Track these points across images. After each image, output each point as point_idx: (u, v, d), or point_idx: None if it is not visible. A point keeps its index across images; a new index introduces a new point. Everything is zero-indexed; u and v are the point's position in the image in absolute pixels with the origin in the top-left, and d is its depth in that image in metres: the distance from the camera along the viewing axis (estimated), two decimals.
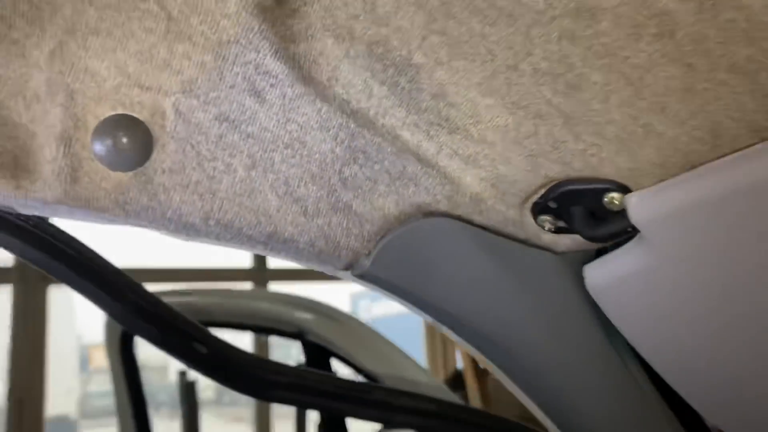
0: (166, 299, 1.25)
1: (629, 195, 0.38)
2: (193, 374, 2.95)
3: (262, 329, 1.16)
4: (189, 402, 2.66)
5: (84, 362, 10.07)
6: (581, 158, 0.38)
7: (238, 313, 1.15)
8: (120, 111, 0.37)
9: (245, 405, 5.38)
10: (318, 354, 1.11)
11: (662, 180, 0.37)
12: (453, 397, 0.97)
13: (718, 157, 0.35)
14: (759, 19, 0.29)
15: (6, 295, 3.66)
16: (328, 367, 1.16)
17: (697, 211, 0.36)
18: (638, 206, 0.37)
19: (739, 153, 0.35)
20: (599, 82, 0.33)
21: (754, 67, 0.31)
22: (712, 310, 0.40)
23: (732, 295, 0.38)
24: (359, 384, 0.48)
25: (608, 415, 0.47)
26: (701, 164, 0.36)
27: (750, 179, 0.34)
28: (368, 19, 0.34)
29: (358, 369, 1.04)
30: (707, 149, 0.35)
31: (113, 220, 0.39)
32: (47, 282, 3.61)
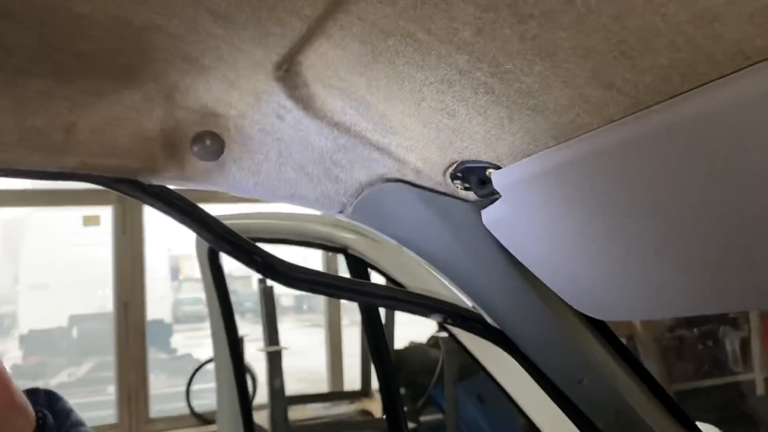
0: (242, 220, 1.59)
1: (492, 172, 0.64)
2: (271, 281, 3.34)
3: (314, 245, 1.48)
4: (268, 304, 3.09)
5: (175, 272, 10.96)
6: (467, 150, 0.65)
7: (295, 232, 1.47)
8: (205, 129, 0.66)
9: (320, 312, 5.94)
10: (357, 265, 1.43)
11: (513, 162, 0.64)
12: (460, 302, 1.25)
13: (538, 152, 0.61)
14: (514, 100, 0.54)
15: (108, 215, 4.18)
16: (367, 276, 1.47)
17: (526, 182, 0.62)
18: (496, 179, 0.64)
19: (546, 150, 0.60)
20: (463, 113, 0.60)
21: (517, 116, 0.56)
22: (550, 238, 0.66)
23: (557, 228, 0.65)
24: (353, 281, 0.78)
25: (506, 306, 0.75)
26: (531, 155, 0.62)
27: (545, 167, 0.60)
28: (337, 79, 0.61)
29: (386, 276, 1.35)
30: (532, 147, 0.61)
31: (203, 187, 0.69)
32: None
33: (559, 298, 0.75)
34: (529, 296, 0.75)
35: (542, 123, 0.58)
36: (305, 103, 0.64)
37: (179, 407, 4.54)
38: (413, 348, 4.23)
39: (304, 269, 0.76)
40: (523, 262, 0.72)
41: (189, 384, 4.48)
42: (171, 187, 0.71)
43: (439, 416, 4.06)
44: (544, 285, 0.75)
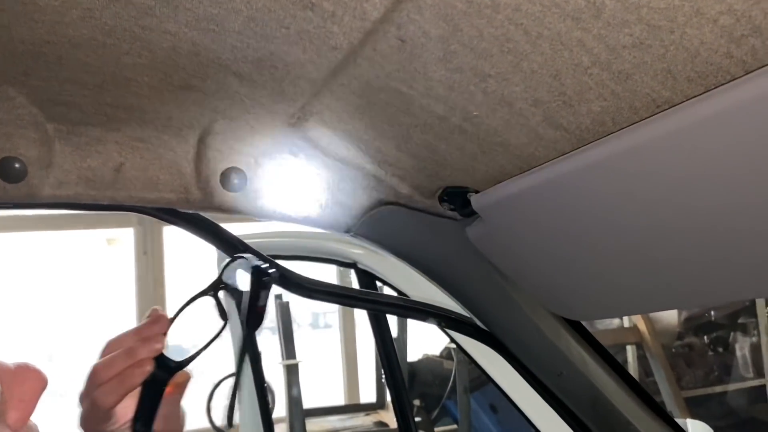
0: (262, 239, 1.71)
1: (472, 195, 0.77)
2: (287, 296, 3.47)
3: (327, 260, 1.61)
4: (284, 319, 3.21)
5: None
6: (450, 177, 0.77)
7: (310, 249, 1.60)
8: (231, 165, 0.79)
9: (336, 329, 6.08)
10: (367, 278, 1.55)
11: (487, 187, 0.76)
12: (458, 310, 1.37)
13: (507, 179, 0.74)
14: (483, 138, 0.67)
15: (130, 236, 4.35)
16: (375, 287, 1.59)
17: (500, 203, 0.74)
18: (474, 201, 0.76)
19: (513, 177, 0.73)
20: (444, 148, 0.72)
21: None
22: (523, 250, 0.78)
23: (528, 242, 0.77)
24: (359, 291, 0.90)
25: (493, 310, 0.87)
26: (502, 181, 0.74)
27: (514, 191, 0.72)
28: (339, 123, 0.74)
29: (393, 287, 1.47)
30: (502, 175, 0.73)
31: (230, 213, 0.82)
32: (161, 224, 4.25)
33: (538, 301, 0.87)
34: (512, 301, 0.87)
35: (508, 156, 0.70)
36: (314, 142, 0.77)
37: (200, 422, 4.66)
38: (427, 360, 4.34)
39: (316, 281, 0.89)
40: (504, 272, 0.84)
41: (210, 400, 4.61)
42: (202, 214, 0.84)
43: (453, 427, 4.15)
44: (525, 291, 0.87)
